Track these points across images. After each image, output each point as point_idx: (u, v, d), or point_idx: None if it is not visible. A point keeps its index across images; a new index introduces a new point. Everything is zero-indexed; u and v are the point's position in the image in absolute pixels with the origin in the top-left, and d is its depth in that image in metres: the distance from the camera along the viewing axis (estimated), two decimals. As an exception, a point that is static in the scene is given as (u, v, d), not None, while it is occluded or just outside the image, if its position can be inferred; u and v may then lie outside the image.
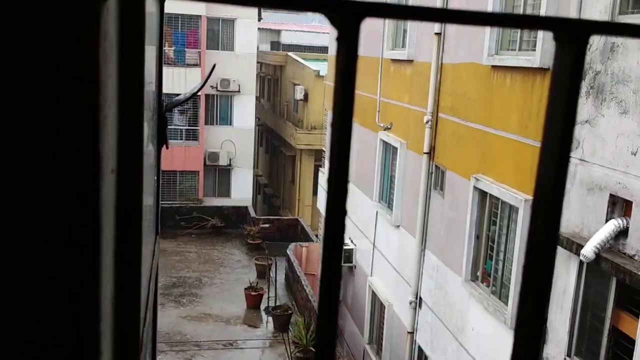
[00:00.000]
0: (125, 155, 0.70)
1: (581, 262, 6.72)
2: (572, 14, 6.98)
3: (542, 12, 7.56)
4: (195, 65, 25.79)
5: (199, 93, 25.59)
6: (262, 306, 18.22)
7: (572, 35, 0.45)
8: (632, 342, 6.12)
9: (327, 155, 18.66)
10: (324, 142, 18.29)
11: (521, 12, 8.38)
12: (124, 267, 0.73)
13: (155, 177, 1.63)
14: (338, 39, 0.41)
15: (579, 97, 0.48)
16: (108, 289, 0.62)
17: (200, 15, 25.63)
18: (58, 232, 0.47)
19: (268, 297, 18.00)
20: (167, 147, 1.68)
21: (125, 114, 0.70)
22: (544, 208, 0.48)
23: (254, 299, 18.19)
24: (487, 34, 8.86)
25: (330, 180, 0.44)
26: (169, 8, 26.48)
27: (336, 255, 0.46)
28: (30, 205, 0.48)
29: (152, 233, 1.56)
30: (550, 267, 0.47)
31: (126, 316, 0.76)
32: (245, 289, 18.45)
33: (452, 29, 10.22)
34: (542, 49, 7.51)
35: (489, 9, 8.79)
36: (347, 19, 0.41)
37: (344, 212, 0.46)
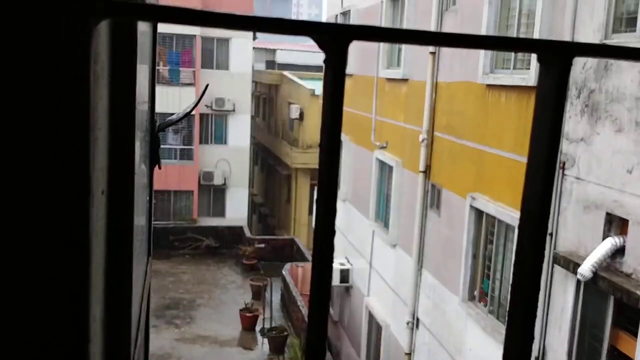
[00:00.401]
0: (116, 177, 0.68)
1: (579, 281, 6.68)
2: (566, 32, 7.03)
3: (536, 30, 7.62)
4: (190, 84, 25.88)
5: (193, 112, 25.64)
6: (258, 328, 18.06)
7: (556, 57, 0.47)
8: (632, 361, 6.07)
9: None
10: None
11: (515, 30, 8.45)
12: (115, 288, 0.70)
13: (148, 198, 1.61)
14: (325, 62, 0.42)
15: (563, 117, 0.49)
16: (98, 310, 0.60)
17: (195, 35, 25.76)
18: (46, 252, 0.47)
19: (263, 319, 17.85)
20: (159, 168, 1.66)
21: (117, 135, 0.68)
22: (530, 225, 0.48)
23: (249, 321, 18.03)
24: (482, 52, 8.91)
25: (319, 200, 0.45)
26: (163, 28, 26.57)
27: (326, 274, 0.45)
28: (18, 225, 0.47)
29: (145, 254, 1.53)
30: (537, 281, 0.47)
31: (117, 338, 0.74)
32: (240, 310, 18.31)
33: (446, 49, 10.28)
34: (536, 68, 7.55)
35: (483, 26, 8.86)
36: (335, 42, 0.42)
37: (332, 231, 0.47)
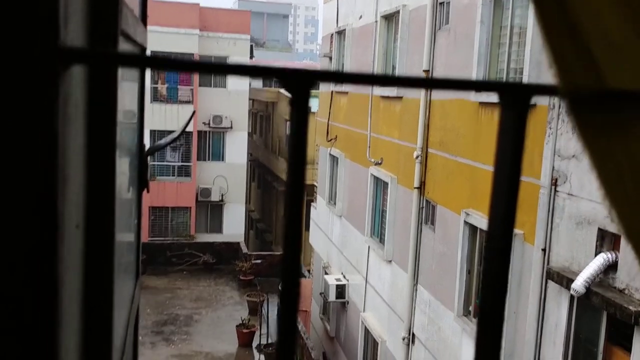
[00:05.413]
0: (93, 211, 0.72)
1: (572, 297, 6.71)
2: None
3: (527, 48, 7.71)
4: (188, 102, 25.98)
5: (191, 129, 25.72)
6: (254, 344, 17.99)
7: (516, 98, 0.49)
8: (625, 377, 6.08)
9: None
10: (316, 177, 18.36)
11: (507, 48, 8.54)
12: (94, 318, 0.74)
13: (136, 221, 1.65)
14: (291, 103, 0.46)
15: (523, 154, 0.52)
16: (72, 341, 0.63)
17: (193, 54, 25.92)
18: (13, 289, 0.49)
19: (260, 334, 17.80)
20: (147, 191, 1.70)
21: (96, 171, 0.72)
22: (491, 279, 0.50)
23: (245, 337, 17.97)
24: (474, 70, 9.01)
25: (285, 245, 0.48)
26: (161, 46, 26.46)
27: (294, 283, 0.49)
28: None
29: (132, 278, 1.56)
30: (503, 299, 0.49)
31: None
32: (237, 326, 18.25)
33: (439, 66, 10.38)
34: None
35: (476, 44, 8.96)
36: (298, 85, 0.46)
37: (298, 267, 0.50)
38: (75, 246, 0.62)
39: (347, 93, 15.05)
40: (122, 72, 1.08)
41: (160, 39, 23.90)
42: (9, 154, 0.48)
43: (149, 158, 1.79)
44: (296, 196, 0.47)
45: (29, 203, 0.49)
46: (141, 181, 1.57)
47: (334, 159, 16.08)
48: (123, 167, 1.28)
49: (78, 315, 0.65)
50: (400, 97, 11.90)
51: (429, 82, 0.56)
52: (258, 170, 33.31)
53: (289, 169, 0.48)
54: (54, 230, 0.50)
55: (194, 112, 3.60)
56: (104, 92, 0.73)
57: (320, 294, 16.25)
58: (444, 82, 0.54)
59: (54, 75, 0.49)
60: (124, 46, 1.07)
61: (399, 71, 11.91)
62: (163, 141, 2.37)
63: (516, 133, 0.50)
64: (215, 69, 0.50)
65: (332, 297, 14.85)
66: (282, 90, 31.06)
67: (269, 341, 17.47)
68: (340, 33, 15.76)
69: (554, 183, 7.20)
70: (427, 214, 10.71)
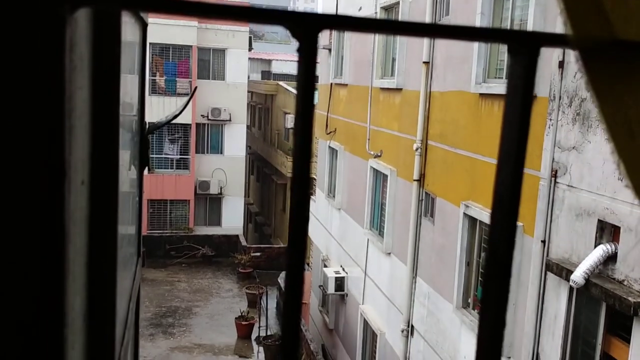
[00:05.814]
0: (99, 170, 0.71)
1: (571, 288, 6.72)
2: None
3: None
4: (187, 94, 25.92)
5: (190, 122, 25.67)
6: (254, 336, 18.02)
7: (524, 47, 0.48)
8: (624, 368, 6.09)
9: (314, 179, 18.40)
10: (315, 170, 18.35)
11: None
12: (98, 279, 0.73)
13: (138, 198, 1.64)
14: (298, 50, 0.45)
15: (532, 106, 0.51)
16: (78, 300, 0.62)
17: (192, 46, 25.85)
18: (20, 237, 0.48)
19: (259, 327, 17.82)
20: (149, 170, 1.69)
21: (100, 128, 0.71)
22: (500, 216, 0.49)
23: (245, 329, 18.00)
24: (475, 62, 8.99)
25: (293, 186, 0.47)
26: (160, 38, 26.40)
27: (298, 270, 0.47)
28: None
29: (134, 254, 1.56)
30: (507, 280, 0.48)
31: (99, 330, 0.76)
32: (236, 318, 18.27)
33: (440, 58, 10.36)
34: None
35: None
36: (306, 30, 0.44)
37: (305, 230, 0.48)
38: (80, 202, 0.61)
39: (346, 85, 15.02)
40: (123, 59, 1.06)
41: (158, 31, 23.83)
42: (18, 97, 0.47)
43: (149, 137, 1.78)
44: (304, 151, 0.46)
45: (36, 148, 0.48)
46: (142, 159, 1.56)
47: (333, 152, 16.06)
48: (126, 142, 1.27)
49: (83, 273, 0.64)
50: (400, 89, 11.88)
51: (434, 28, 0.54)
52: (257, 163, 33.30)
53: (296, 121, 0.47)
54: (62, 177, 0.49)
55: (195, 88, 3.58)
56: (109, 41, 0.72)
57: (319, 286, 16.26)
58: (449, 28, 0.52)
59: (60, 17, 0.48)
60: (125, 12, 1.05)
61: (399, 63, 11.88)
62: (164, 118, 2.36)
63: (525, 83, 0.49)
64: (220, 12, 0.48)
65: (331, 289, 14.86)
66: (281, 83, 30.98)
67: (268, 333, 17.49)
68: (340, 25, 15.70)
69: (554, 175, 7.19)
70: (427, 206, 10.71)
